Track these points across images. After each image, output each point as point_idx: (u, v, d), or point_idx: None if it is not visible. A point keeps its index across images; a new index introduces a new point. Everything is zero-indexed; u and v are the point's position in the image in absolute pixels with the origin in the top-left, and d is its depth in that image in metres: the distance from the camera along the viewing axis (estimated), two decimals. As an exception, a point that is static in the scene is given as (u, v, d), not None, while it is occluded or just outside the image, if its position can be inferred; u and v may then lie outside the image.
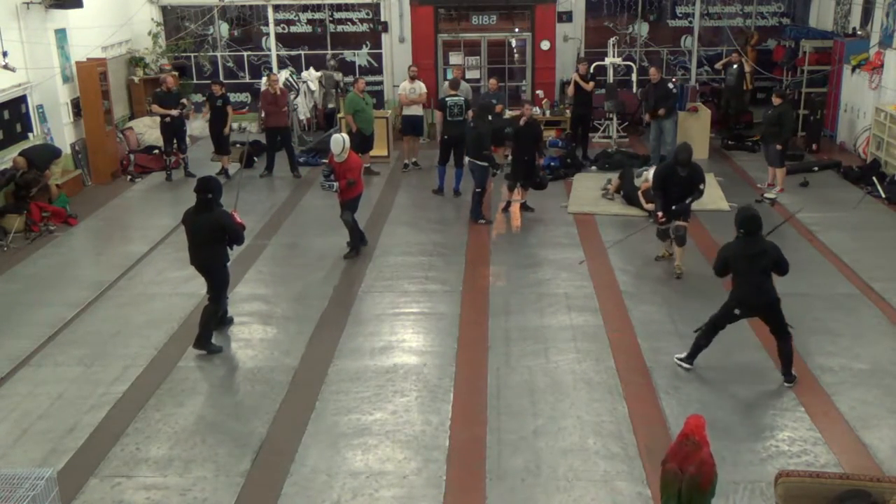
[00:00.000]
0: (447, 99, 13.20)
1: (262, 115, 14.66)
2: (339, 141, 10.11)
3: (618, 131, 15.89)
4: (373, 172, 14.33)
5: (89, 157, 14.02)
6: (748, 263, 7.01)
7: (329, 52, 17.80)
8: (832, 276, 9.59)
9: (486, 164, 11.63)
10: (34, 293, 9.54)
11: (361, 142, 13.93)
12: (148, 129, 15.61)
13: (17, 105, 12.78)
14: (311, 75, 16.74)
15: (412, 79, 14.49)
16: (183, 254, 10.50)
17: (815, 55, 16.12)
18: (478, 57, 17.47)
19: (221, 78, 17.59)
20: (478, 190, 11.68)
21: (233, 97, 17.35)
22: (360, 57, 18.09)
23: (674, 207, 9.55)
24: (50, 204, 12.12)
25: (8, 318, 8.85)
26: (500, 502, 5.79)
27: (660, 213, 9.65)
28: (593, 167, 14.39)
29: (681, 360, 7.55)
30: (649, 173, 11.42)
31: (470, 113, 13.01)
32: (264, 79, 14.75)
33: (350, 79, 16.73)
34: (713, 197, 12.55)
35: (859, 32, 15.38)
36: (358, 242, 10.53)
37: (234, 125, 16.29)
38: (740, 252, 7.06)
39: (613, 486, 5.90)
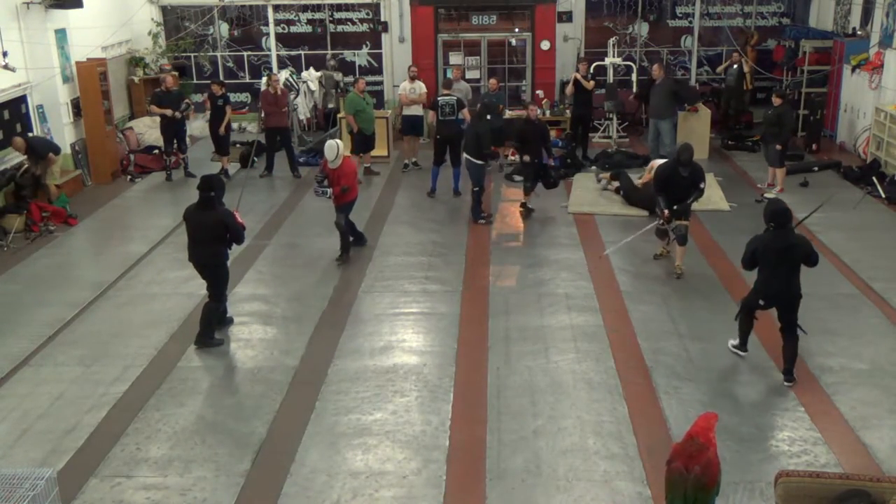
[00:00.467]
0: (439, 98, 13.19)
1: (262, 115, 14.65)
2: (334, 147, 9.92)
3: (618, 131, 15.89)
4: (373, 172, 14.34)
5: (89, 157, 14.02)
6: (777, 257, 7.06)
7: (329, 52, 17.80)
8: (832, 276, 9.58)
9: (481, 162, 11.61)
10: (34, 293, 9.54)
11: (363, 142, 13.95)
12: (148, 129, 15.61)
13: (17, 105, 12.77)
14: (311, 75, 16.74)
15: (412, 79, 14.49)
16: (183, 254, 10.51)
17: (815, 55, 16.12)
18: (478, 57, 17.46)
19: (221, 78, 17.59)
20: (475, 189, 11.68)
21: (233, 97, 17.36)
22: (360, 57, 18.09)
23: (675, 207, 9.55)
24: (50, 204, 12.12)
25: (8, 318, 8.85)
26: (500, 502, 5.79)
27: (665, 212, 9.63)
28: (593, 167, 14.38)
29: (735, 346, 7.73)
30: (655, 162, 11.51)
31: (465, 112, 13.01)
32: (264, 79, 14.75)
33: (350, 79, 16.73)
34: (713, 197, 12.55)
35: (859, 32, 15.38)
36: (348, 248, 10.34)
37: (234, 125, 16.31)
38: (770, 245, 7.10)
39: (613, 486, 5.90)
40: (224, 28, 18.07)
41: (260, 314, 8.92)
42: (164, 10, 17.70)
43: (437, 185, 13.08)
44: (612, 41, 15.93)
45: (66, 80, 13.66)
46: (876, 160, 13.56)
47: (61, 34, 13.54)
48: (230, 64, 18.22)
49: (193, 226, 8.04)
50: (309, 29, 17.99)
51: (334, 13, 17.87)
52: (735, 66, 16.16)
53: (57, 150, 12.75)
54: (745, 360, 7.69)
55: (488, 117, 11.89)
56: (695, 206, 11.92)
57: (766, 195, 12.32)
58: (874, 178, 12.83)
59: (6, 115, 12.50)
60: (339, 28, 17.99)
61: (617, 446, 6.36)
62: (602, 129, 16.44)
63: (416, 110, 14.44)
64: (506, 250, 10.76)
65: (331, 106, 16.76)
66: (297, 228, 11.69)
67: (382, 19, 17.62)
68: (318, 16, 17.93)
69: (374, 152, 14.45)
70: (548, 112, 16.28)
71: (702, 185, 9.65)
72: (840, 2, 16.59)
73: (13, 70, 12.10)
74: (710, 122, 15.19)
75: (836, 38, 15.94)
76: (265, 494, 5.91)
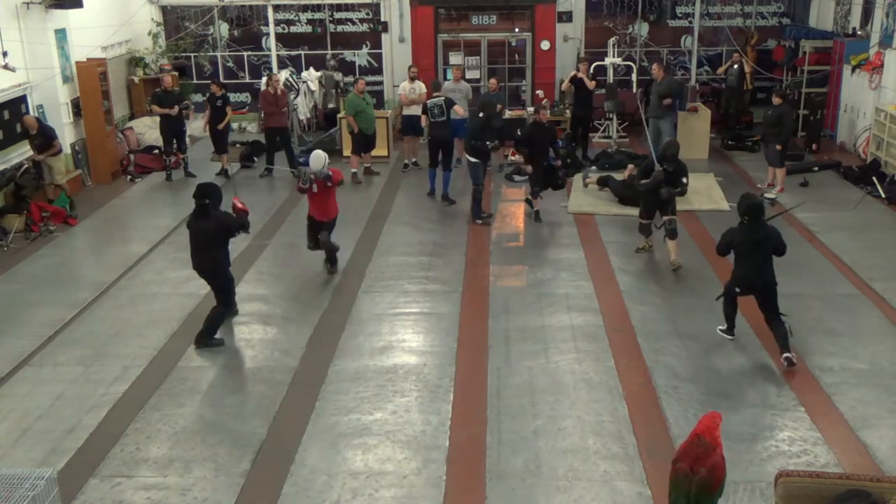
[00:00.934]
0: (428, 101, 13.16)
1: (262, 115, 14.65)
2: (321, 158, 9.57)
3: (618, 131, 15.88)
4: (373, 172, 14.34)
5: (89, 157, 14.02)
6: (752, 248, 7.50)
7: (329, 52, 17.80)
8: (832, 276, 9.59)
9: (476, 160, 11.58)
10: (34, 293, 9.54)
11: (363, 142, 13.95)
12: (148, 129, 15.61)
13: (17, 105, 12.77)
14: (311, 75, 16.74)
15: (412, 79, 14.49)
16: (182, 254, 10.53)
17: (815, 55, 16.11)
18: (478, 57, 17.46)
19: (221, 78, 17.59)
20: (474, 187, 11.65)
21: (233, 97, 17.37)
22: (360, 57, 18.09)
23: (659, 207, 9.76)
24: (50, 204, 12.13)
25: (8, 318, 8.85)
26: (500, 502, 5.79)
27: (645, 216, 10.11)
28: (593, 167, 14.38)
29: (723, 331, 8.05)
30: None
31: (457, 108, 12.97)
32: (264, 79, 14.74)
33: (350, 79, 16.72)
34: (713, 197, 12.57)
35: (859, 32, 15.38)
36: (336, 258, 9.97)
37: (234, 125, 16.31)
38: (745, 237, 7.54)
39: (613, 486, 5.90)
40: (224, 28, 18.07)
41: (260, 314, 8.92)
42: (164, 10, 17.69)
43: (436, 185, 13.07)
44: (612, 41, 15.92)
45: (66, 80, 13.66)
46: (876, 160, 13.56)
47: (61, 34, 13.54)
48: (230, 64, 18.21)
49: (193, 234, 8.12)
50: (309, 29, 17.98)
51: (334, 13, 17.86)
52: (735, 66, 16.16)
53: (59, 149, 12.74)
54: (745, 360, 7.69)
55: (480, 115, 11.82)
56: (695, 206, 11.93)
57: (766, 195, 12.32)
58: (874, 178, 12.81)
59: (6, 115, 12.50)
60: (339, 28, 17.98)
61: (617, 446, 6.36)
62: (602, 129, 16.44)
63: (416, 110, 14.41)
64: (506, 250, 10.76)
65: (331, 106, 16.76)
66: (297, 228, 11.64)
67: (382, 19, 17.61)
68: (318, 16, 17.92)
69: (374, 152, 14.45)
70: (548, 112, 16.25)
71: (684, 180, 9.93)
72: (840, 2, 16.59)
73: (13, 70, 12.10)
74: (710, 122, 15.19)
75: (836, 38, 15.94)
76: (265, 494, 5.91)
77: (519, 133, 15.23)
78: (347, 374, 7.53)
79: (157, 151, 14.98)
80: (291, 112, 15.47)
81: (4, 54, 11.92)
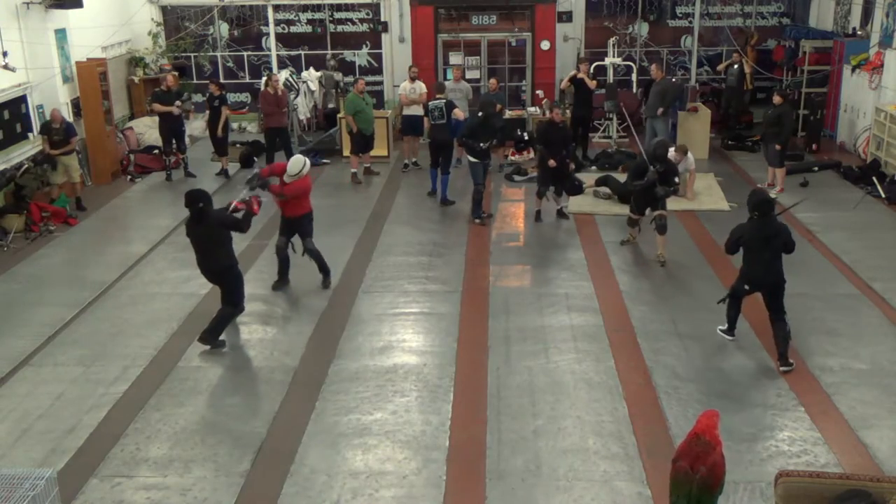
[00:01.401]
0: (429, 103, 13.16)
1: (262, 115, 14.65)
2: (300, 162, 9.11)
3: (618, 131, 15.88)
4: (373, 172, 14.34)
5: (89, 157, 14.01)
6: (762, 244, 7.43)
7: (329, 52, 17.79)
8: (832, 276, 9.59)
9: (476, 160, 11.57)
10: (34, 293, 9.54)
11: (362, 142, 13.94)
12: (148, 129, 15.61)
13: (17, 105, 12.77)
14: (311, 75, 16.74)
15: (412, 79, 14.49)
16: (182, 254, 10.55)
17: (815, 55, 16.10)
18: (478, 57, 17.46)
19: (221, 78, 17.59)
20: (473, 186, 11.65)
21: (233, 97, 17.38)
22: (360, 57, 18.08)
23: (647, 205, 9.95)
24: (51, 204, 12.15)
25: (8, 318, 8.85)
26: (500, 502, 5.79)
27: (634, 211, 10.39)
28: (593, 167, 14.38)
29: (723, 331, 8.02)
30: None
31: (457, 112, 12.95)
32: (264, 79, 14.74)
33: (350, 79, 16.72)
34: (713, 197, 12.56)
35: (859, 32, 15.38)
36: (326, 267, 9.59)
37: (234, 125, 16.31)
38: (755, 233, 7.47)
39: (613, 486, 5.90)
40: (224, 28, 18.06)
41: (260, 314, 8.91)
42: (164, 10, 17.68)
43: (437, 185, 13.06)
44: (612, 41, 15.92)
45: (66, 80, 13.66)
46: (876, 160, 13.55)
47: (61, 34, 13.55)
48: (230, 64, 18.21)
49: (195, 240, 8.10)
50: (309, 29, 17.98)
51: (334, 13, 17.85)
52: (735, 66, 16.16)
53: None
54: (745, 360, 7.70)
55: (479, 114, 11.82)
56: (695, 206, 11.95)
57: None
58: (874, 178, 12.81)
59: (6, 115, 12.50)
60: (339, 28, 17.98)
61: (617, 446, 6.36)
62: (602, 129, 16.44)
63: (416, 110, 14.42)
64: (506, 250, 10.76)
65: (331, 106, 16.76)
66: (297, 228, 11.68)
67: (382, 19, 17.61)
68: (318, 16, 17.91)
69: (374, 152, 14.43)
70: (548, 112, 16.27)
71: (676, 180, 10.17)
72: (840, 2, 16.59)
73: (13, 70, 12.10)
74: (710, 122, 15.18)
75: (836, 38, 15.94)
76: (265, 494, 5.91)
77: (519, 132, 15.31)
78: (347, 374, 7.53)
79: (156, 151, 14.98)
80: (291, 112, 15.47)
81: (4, 54, 11.92)
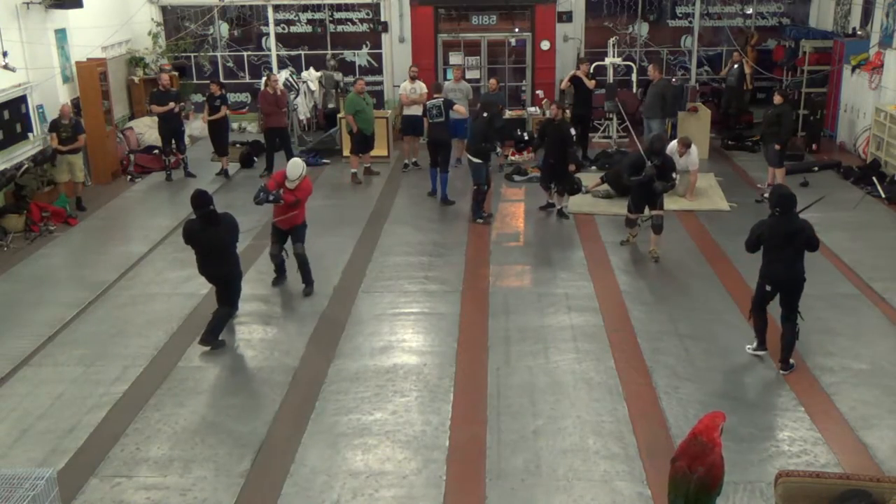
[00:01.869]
0: (427, 102, 13.17)
1: (262, 115, 14.65)
2: (299, 165, 9.04)
3: (618, 131, 15.88)
4: (373, 172, 14.34)
5: (89, 157, 14.00)
6: (784, 241, 7.18)
7: (329, 52, 17.79)
8: (832, 276, 9.58)
9: (479, 161, 11.58)
10: (34, 293, 9.54)
11: (362, 142, 13.95)
12: (148, 129, 15.61)
13: (17, 105, 12.76)
14: (311, 75, 16.74)
15: (413, 79, 14.49)
16: (182, 254, 10.51)
17: (815, 55, 16.10)
18: (478, 57, 17.46)
19: (221, 78, 17.59)
20: (475, 187, 11.66)
21: (233, 97, 17.37)
22: (360, 57, 18.08)
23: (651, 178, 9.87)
24: (51, 204, 12.15)
25: (8, 318, 8.85)
26: (500, 502, 5.79)
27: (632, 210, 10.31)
28: (593, 167, 14.38)
29: (754, 349, 7.69)
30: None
31: (458, 107, 13.00)
32: (264, 79, 14.74)
33: (350, 79, 16.72)
34: (713, 197, 12.56)
35: (859, 32, 15.38)
36: (310, 277, 9.41)
37: (234, 125, 16.30)
38: (777, 230, 7.22)
39: (613, 486, 5.90)
40: (224, 28, 18.06)
41: (260, 314, 8.91)
42: (164, 10, 17.68)
43: (437, 185, 13.07)
44: (612, 41, 15.93)
45: (66, 80, 13.66)
46: (876, 160, 13.55)
47: (61, 34, 13.54)
48: (230, 64, 18.21)
49: (206, 244, 7.95)
50: (309, 29, 17.97)
51: (334, 13, 17.85)
52: (735, 65, 16.16)
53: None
54: (745, 360, 7.69)
55: (485, 115, 11.84)
56: (695, 206, 11.94)
57: (767, 195, 12.32)
58: (874, 178, 12.82)
59: (6, 115, 12.49)
60: (339, 28, 17.97)
61: (617, 446, 6.36)
62: (602, 129, 16.44)
63: (417, 110, 14.41)
64: (506, 250, 10.76)
65: (331, 106, 16.76)
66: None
67: (382, 19, 17.61)
68: (318, 16, 17.91)
69: (374, 152, 14.43)
70: (548, 112, 16.27)
71: (674, 175, 10.06)
72: (840, 2, 16.59)
73: (13, 70, 12.10)
74: (710, 122, 15.19)
75: (836, 38, 15.94)
76: (265, 494, 5.91)
77: (519, 132, 15.33)
78: (347, 374, 7.53)
79: (156, 151, 14.98)
80: (291, 112, 15.47)
81: (4, 54, 11.92)
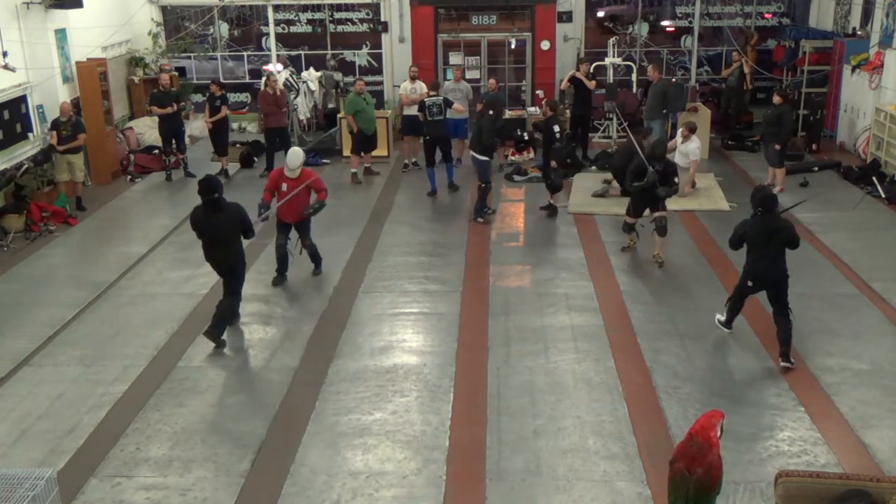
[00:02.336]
0: (426, 100, 13.20)
1: (262, 115, 14.65)
2: (300, 155, 9.29)
3: (618, 131, 15.88)
4: (373, 172, 14.34)
5: (89, 157, 14.00)
6: (766, 239, 7.44)
7: (329, 52, 17.80)
8: (832, 276, 9.59)
9: (486, 158, 11.65)
10: (34, 293, 9.54)
11: (363, 142, 13.95)
12: (148, 129, 15.61)
13: (17, 105, 12.77)
14: (311, 75, 16.74)
15: (413, 79, 14.49)
16: (182, 254, 10.55)
17: (815, 55, 16.11)
18: (478, 57, 17.46)
19: (221, 78, 17.59)
20: (482, 185, 11.71)
21: (233, 97, 17.36)
22: (360, 57, 18.08)
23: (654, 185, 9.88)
24: (51, 204, 12.15)
25: (8, 318, 8.85)
26: (500, 502, 5.79)
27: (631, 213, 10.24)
28: (593, 167, 14.39)
29: (721, 322, 8.11)
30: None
31: (457, 106, 13.08)
32: (263, 79, 14.75)
33: (350, 79, 16.72)
34: (713, 197, 12.56)
35: (859, 32, 15.38)
36: (319, 259, 9.86)
37: (234, 125, 16.30)
38: (759, 229, 7.48)
39: (613, 486, 5.90)
40: (224, 28, 18.07)
41: (260, 314, 8.91)
42: (164, 10, 17.69)
43: (436, 185, 13.09)
44: (612, 41, 15.93)
45: (66, 80, 13.66)
46: (876, 160, 13.55)
47: (61, 34, 13.54)
48: (230, 64, 18.20)
49: (208, 231, 8.00)
50: (309, 29, 17.98)
51: (334, 13, 17.85)
52: (735, 65, 16.17)
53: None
54: (744, 360, 7.71)
55: (490, 112, 11.90)
56: (695, 205, 11.94)
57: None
58: (874, 178, 12.81)
59: (6, 115, 12.50)
60: (339, 28, 17.98)
61: (617, 446, 6.36)
62: (602, 129, 16.44)
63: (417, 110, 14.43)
64: (506, 250, 10.76)
65: (331, 106, 16.76)
66: (297, 228, 11.68)
67: (382, 19, 17.61)
68: (318, 16, 17.91)
69: (374, 152, 14.44)
70: (556, 109, 16.25)
71: (676, 180, 10.02)
72: (840, 2, 16.59)
73: (13, 70, 12.10)
74: (710, 122, 15.19)
75: (836, 38, 15.94)
76: (265, 494, 5.91)
77: (519, 132, 15.35)
78: (347, 374, 7.53)
79: (156, 151, 14.98)
80: (291, 112, 15.47)
81: (4, 54, 11.92)
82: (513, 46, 17.58)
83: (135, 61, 16.76)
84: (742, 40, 17.09)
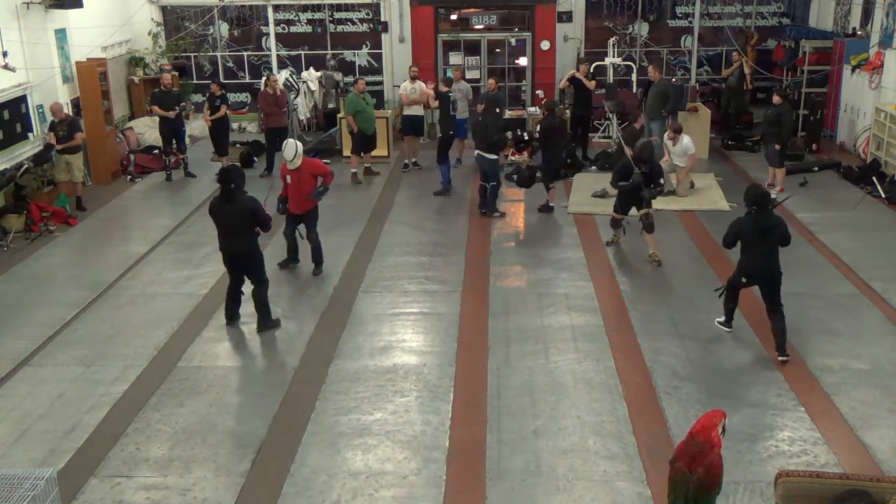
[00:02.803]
0: (449, 94, 13.58)
1: (262, 115, 14.66)
2: (293, 146, 9.42)
3: (618, 131, 15.88)
4: (373, 172, 14.34)
5: (89, 157, 14.00)
6: (760, 236, 7.55)
7: (329, 52, 17.80)
8: (832, 276, 9.59)
9: (494, 156, 11.69)
10: (34, 293, 9.54)
11: (363, 142, 13.95)
12: (148, 129, 15.61)
13: (17, 105, 12.76)
14: (311, 75, 16.74)
15: (413, 79, 14.50)
16: (182, 254, 10.56)
17: (815, 55, 16.11)
18: (478, 57, 17.46)
19: (221, 78, 17.59)
20: (493, 183, 11.75)
21: (233, 97, 17.37)
22: (360, 57, 18.09)
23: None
24: (51, 204, 12.15)
25: (8, 318, 8.85)
26: (500, 502, 5.79)
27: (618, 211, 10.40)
28: (593, 167, 14.40)
29: (721, 323, 8.18)
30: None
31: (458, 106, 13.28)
32: (263, 79, 14.74)
33: (350, 79, 16.72)
34: (713, 197, 12.56)
35: (859, 32, 15.38)
36: (321, 259, 9.96)
37: (234, 125, 16.31)
38: (753, 226, 7.58)
39: (613, 486, 5.90)
40: (224, 28, 18.07)
41: (260, 314, 8.91)
42: (164, 10, 17.69)
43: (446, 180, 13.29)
44: (612, 41, 15.93)
45: (66, 80, 13.66)
46: (876, 160, 13.55)
47: (61, 34, 13.54)
48: (230, 64, 18.21)
49: (221, 219, 8.25)
50: (309, 29, 17.99)
51: (334, 13, 17.86)
52: (735, 64, 16.17)
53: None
54: (744, 360, 7.71)
55: (497, 110, 11.97)
56: (695, 205, 11.94)
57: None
58: (874, 178, 12.81)
59: (6, 115, 12.49)
60: (339, 28, 17.98)
61: (617, 446, 6.36)
62: (602, 129, 16.44)
63: (417, 110, 14.44)
64: (506, 250, 10.76)
65: (331, 106, 16.76)
66: (297, 228, 11.68)
67: (382, 19, 17.61)
68: (318, 16, 17.92)
69: (374, 152, 14.45)
70: (552, 109, 16.25)
71: (661, 181, 10.20)
72: (840, 2, 16.59)
73: (13, 70, 12.11)
74: (710, 122, 15.19)
75: (836, 38, 15.93)
76: (265, 494, 5.91)
77: (518, 132, 15.35)
78: (347, 374, 7.53)
79: (156, 151, 14.98)
80: (291, 112, 15.46)
81: (4, 54, 11.92)
82: (513, 44, 17.56)
83: (135, 61, 16.76)
84: (742, 40, 17.09)
